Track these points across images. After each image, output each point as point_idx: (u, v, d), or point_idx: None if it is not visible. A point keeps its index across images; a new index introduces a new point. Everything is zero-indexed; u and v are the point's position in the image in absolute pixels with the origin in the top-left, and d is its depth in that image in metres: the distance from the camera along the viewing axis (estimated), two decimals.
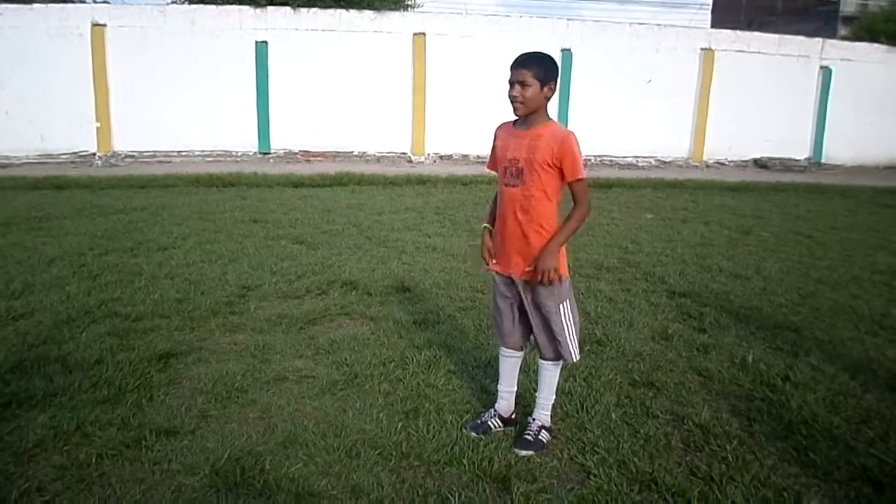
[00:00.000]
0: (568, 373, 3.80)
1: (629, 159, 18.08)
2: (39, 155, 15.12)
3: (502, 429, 3.17)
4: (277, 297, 5.20)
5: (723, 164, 18.62)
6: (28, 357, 3.82)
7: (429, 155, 16.96)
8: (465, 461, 2.87)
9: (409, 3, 18.07)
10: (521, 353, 3.21)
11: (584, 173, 2.85)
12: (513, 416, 3.23)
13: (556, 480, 2.81)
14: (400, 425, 3.15)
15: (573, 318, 3.01)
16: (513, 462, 2.89)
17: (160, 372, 3.72)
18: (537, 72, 2.81)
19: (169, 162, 15.36)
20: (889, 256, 7.38)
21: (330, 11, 16.20)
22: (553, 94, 2.88)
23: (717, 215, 10.00)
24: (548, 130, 2.86)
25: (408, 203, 10.22)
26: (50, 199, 9.83)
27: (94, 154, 15.53)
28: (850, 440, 3.14)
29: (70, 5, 17.51)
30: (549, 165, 2.83)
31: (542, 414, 3.13)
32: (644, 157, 18.21)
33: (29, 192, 10.71)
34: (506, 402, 3.22)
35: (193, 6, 16.21)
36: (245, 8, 15.92)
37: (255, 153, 16.36)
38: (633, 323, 4.77)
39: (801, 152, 19.13)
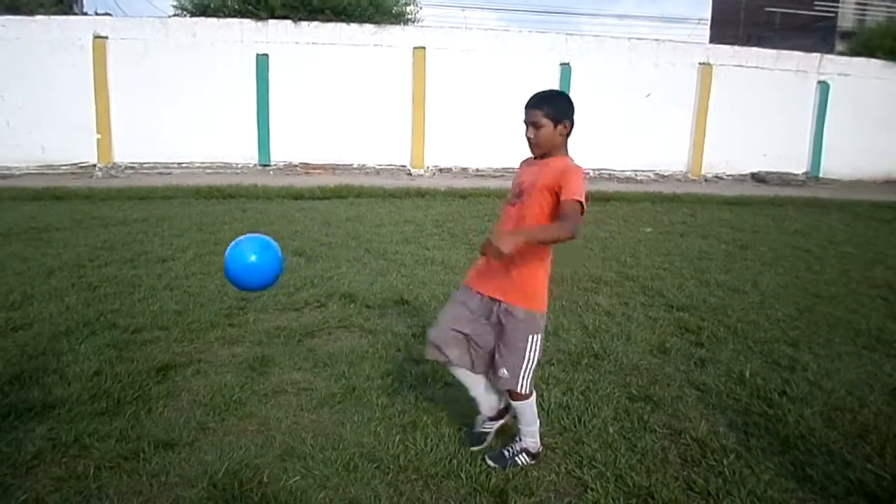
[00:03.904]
0: (566, 386, 3.81)
1: (628, 173, 18.14)
2: (40, 166, 15.16)
3: (501, 423, 3.15)
4: (276, 309, 5.21)
5: (721, 178, 18.68)
6: (27, 368, 3.83)
7: (428, 168, 17.02)
8: (462, 474, 2.88)
9: (410, 17, 18.16)
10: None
11: (581, 198, 2.67)
12: (502, 407, 3.15)
13: (554, 494, 2.82)
14: (398, 438, 3.16)
15: (536, 354, 2.90)
16: (510, 476, 2.90)
17: (159, 384, 3.73)
18: (549, 111, 2.78)
19: (169, 173, 15.41)
20: (886, 271, 7.40)
21: (331, 25, 16.29)
22: (569, 131, 2.84)
23: (715, 229, 10.03)
24: (558, 161, 2.83)
25: (407, 216, 10.25)
26: (50, 210, 9.85)
27: (95, 165, 15.57)
28: (847, 455, 3.15)
29: (72, 17, 17.65)
30: (548, 188, 2.76)
31: (528, 440, 3.04)
32: (643, 171, 18.27)
33: (29, 202, 10.74)
34: (486, 402, 3.12)
35: (195, 19, 16.31)
36: (246, 21, 16.02)
37: (256, 165, 16.41)
38: (630, 336, 4.78)
39: (799, 167, 19.21)
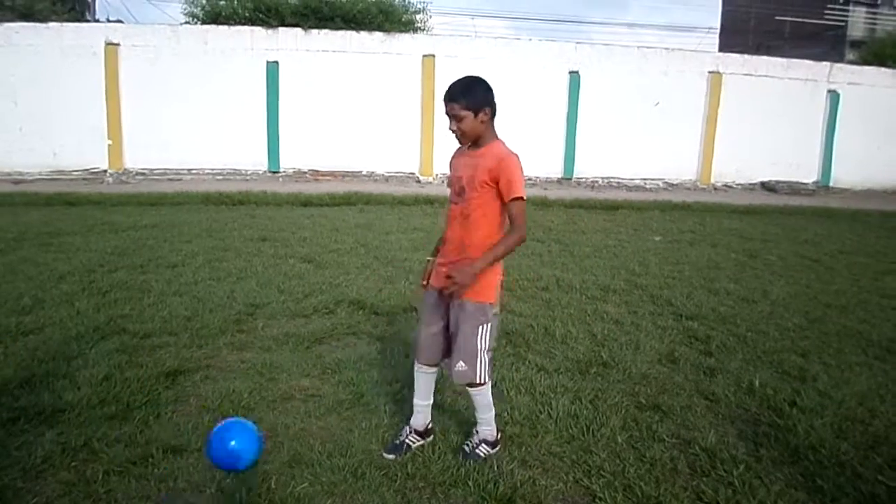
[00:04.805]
0: (574, 395, 3.80)
1: (637, 181, 18.11)
2: (52, 171, 15.26)
3: (421, 442, 3.18)
4: (285, 315, 5.22)
5: (731, 186, 18.63)
6: (37, 372, 3.85)
7: (437, 175, 17.02)
8: (470, 483, 2.87)
9: (419, 25, 18.22)
10: (435, 369, 3.18)
11: (523, 193, 2.84)
12: (429, 427, 3.24)
13: (562, 503, 2.81)
14: None
15: (488, 342, 2.98)
16: (518, 484, 2.89)
17: (168, 389, 3.74)
18: (466, 102, 2.83)
19: (179, 180, 15.47)
20: None
21: (341, 33, 16.37)
22: (491, 116, 2.89)
23: (724, 238, 9.99)
24: (490, 151, 2.89)
25: (415, 223, 10.27)
26: (61, 216, 9.92)
27: (106, 171, 15.66)
28: (857, 467, 3.12)
29: (85, 24, 17.82)
30: (486, 184, 2.85)
31: (485, 429, 3.15)
32: (652, 180, 18.24)
33: (41, 208, 10.81)
34: (421, 416, 3.21)
35: (206, 27, 16.41)
36: (257, 29, 16.11)
37: (265, 172, 16.47)
38: (639, 345, 4.77)
39: (809, 176, 19.13)
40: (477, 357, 2.96)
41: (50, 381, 3.74)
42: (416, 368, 3.19)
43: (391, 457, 3.06)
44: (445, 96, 2.86)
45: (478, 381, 3.01)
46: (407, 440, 3.15)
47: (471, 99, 2.83)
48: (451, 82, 2.89)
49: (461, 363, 2.96)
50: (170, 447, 3.08)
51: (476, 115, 2.84)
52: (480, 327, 2.95)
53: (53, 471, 2.87)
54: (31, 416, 3.31)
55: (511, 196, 2.82)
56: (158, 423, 3.34)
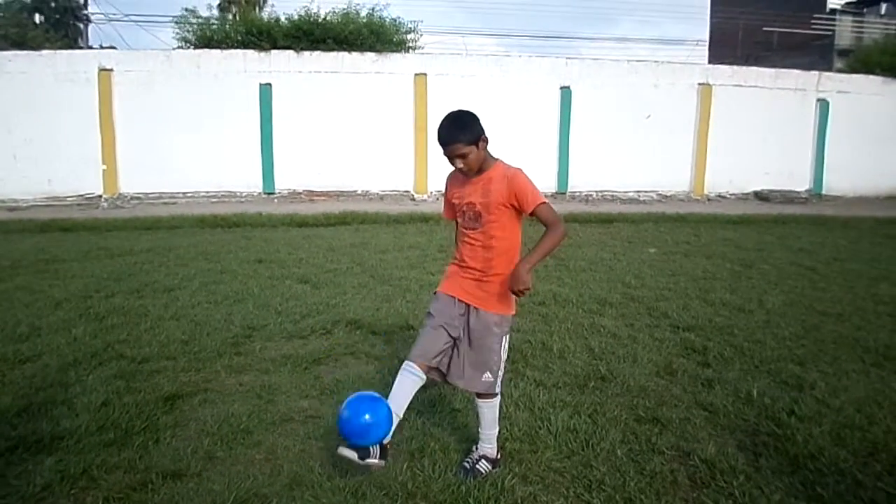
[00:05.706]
0: (573, 409, 3.81)
1: (630, 194, 18.19)
2: (46, 197, 15.29)
3: (377, 460, 2.86)
4: (282, 337, 5.22)
5: (724, 197, 18.72)
6: (35, 400, 3.84)
7: (431, 193, 17.08)
8: (471, 500, 2.87)
9: (411, 44, 18.35)
10: (423, 378, 2.99)
11: (542, 198, 2.93)
12: (387, 446, 2.95)
13: None
14: (405, 465, 3.15)
15: (506, 352, 3.10)
16: (519, 501, 2.89)
17: (166, 414, 3.73)
18: (466, 138, 2.88)
19: (174, 203, 15.51)
20: (892, 287, 7.37)
21: (332, 54, 16.49)
22: (487, 141, 2.95)
23: (719, 248, 10.03)
24: (497, 173, 2.97)
25: (411, 241, 10.28)
26: (57, 242, 9.92)
27: (101, 196, 15.70)
28: (857, 474, 3.12)
29: (78, 51, 17.92)
30: (504, 205, 2.94)
31: (486, 447, 3.17)
32: (645, 192, 18.32)
33: (36, 234, 10.81)
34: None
35: (198, 51, 16.52)
36: (249, 52, 16.23)
37: (260, 193, 16.52)
38: (637, 358, 4.77)
39: (802, 184, 19.25)
40: (499, 369, 3.06)
41: (48, 409, 3.73)
42: (404, 367, 2.99)
43: (347, 453, 2.78)
44: (443, 140, 2.91)
45: (496, 392, 3.09)
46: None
47: (468, 134, 2.89)
48: (439, 126, 2.92)
49: (487, 374, 3.03)
50: (169, 472, 3.07)
51: (477, 146, 2.91)
52: (504, 338, 3.06)
53: (53, 499, 2.86)
54: (29, 444, 3.30)
55: (534, 205, 2.91)
56: (158, 449, 3.33)
